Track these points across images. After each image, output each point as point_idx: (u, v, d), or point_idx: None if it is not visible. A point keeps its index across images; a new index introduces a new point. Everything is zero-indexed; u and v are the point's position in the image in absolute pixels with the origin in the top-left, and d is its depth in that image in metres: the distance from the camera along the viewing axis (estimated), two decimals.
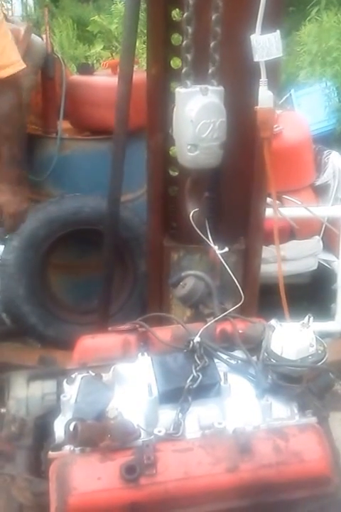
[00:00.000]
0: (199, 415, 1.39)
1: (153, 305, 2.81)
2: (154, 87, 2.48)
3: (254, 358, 1.53)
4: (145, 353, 1.55)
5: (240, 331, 1.63)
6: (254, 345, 1.57)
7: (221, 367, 1.49)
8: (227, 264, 2.67)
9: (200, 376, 1.42)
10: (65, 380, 1.52)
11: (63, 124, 3.27)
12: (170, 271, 2.79)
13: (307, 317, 1.53)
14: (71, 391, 1.47)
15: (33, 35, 3.01)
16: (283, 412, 1.43)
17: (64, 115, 3.27)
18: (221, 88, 1.70)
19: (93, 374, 1.54)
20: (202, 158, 1.69)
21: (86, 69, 3.38)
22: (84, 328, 2.80)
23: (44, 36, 3.27)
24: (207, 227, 1.80)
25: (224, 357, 1.52)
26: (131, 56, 2.53)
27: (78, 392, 1.46)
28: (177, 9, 2.24)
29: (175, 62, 2.49)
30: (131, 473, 1.20)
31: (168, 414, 1.38)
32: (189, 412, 1.39)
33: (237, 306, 1.70)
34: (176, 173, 2.84)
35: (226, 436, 1.30)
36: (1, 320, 3.25)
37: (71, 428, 1.28)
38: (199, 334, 1.52)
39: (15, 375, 1.65)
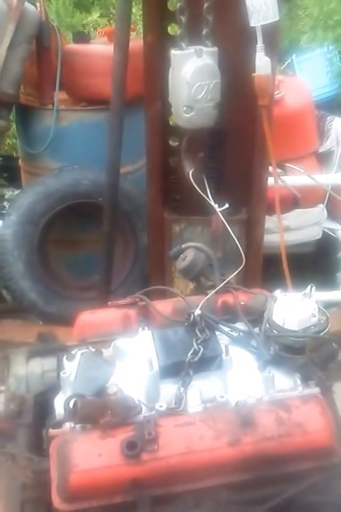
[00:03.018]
0: (201, 389, 1.37)
1: (155, 278, 2.79)
2: (151, 55, 2.41)
3: (256, 329, 1.51)
4: (146, 328, 1.53)
5: (242, 303, 1.61)
6: (256, 316, 1.55)
7: (222, 339, 1.47)
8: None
9: (201, 349, 1.40)
10: (64, 357, 1.50)
11: (60, 95, 3.21)
12: (172, 243, 2.76)
13: (309, 287, 1.50)
14: (71, 368, 1.44)
15: (27, 3, 2.92)
16: (285, 384, 1.40)
17: (60, 86, 3.20)
18: (215, 49, 1.71)
19: (93, 350, 1.52)
20: (197, 119, 1.75)
21: (81, 37, 3.30)
22: (86, 303, 2.77)
23: (38, 4, 3.18)
24: (207, 185, 1.81)
25: (226, 329, 1.50)
26: (126, 23, 2.46)
27: (78, 368, 1.43)
28: None
29: (173, 29, 2.43)
30: (132, 449, 1.18)
31: (169, 389, 1.36)
32: (191, 386, 1.37)
33: (238, 270, 1.67)
34: (176, 143, 2.79)
35: (228, 410, 1.28)
36: (2, 296, 3.23)
37: (71, 405, 1.27)
38: (199, 307, 1.49)
39: (15, 353, 1.63)
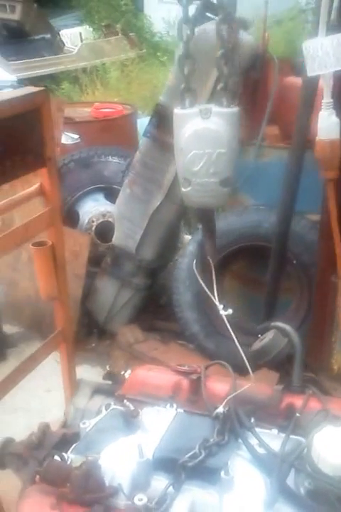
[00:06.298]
0: (195, 498, 1.16)
1: (314, 341, 2.47)
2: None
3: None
4: (174, 405, 1.37)
5: (297, 414, 1.30)
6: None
7: (242, 452, 1.21)
8: None
9: (202, 455, 1.18)
10: (104, 405, 1.47)
11: (272, 131, 3.08)
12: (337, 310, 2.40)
13: None
14: (93, 420, 1.40)
15: (243, 33, 2.87)
16: None
17: (274, 120, 3.07)
18: (233, 110, 1.26)
19: (132, 408, 1.44)
20: (196, 196, 1.29)
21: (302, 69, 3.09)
22: (244, 348, 2.61)
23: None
24: (214, 278, 1.43)
25: (252, 441, 1.23)
26: None
27: (96, 423, 1.38)
28: None
29: None
30: None
31: (161, 483, 1.19)
32: (185, 490, 1.17)
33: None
34: None
35: None
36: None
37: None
38: (224, 403, 1.26)
39: (84, 383, 1.66)
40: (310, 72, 1.44)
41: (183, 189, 1.29)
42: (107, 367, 2.53)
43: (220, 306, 1.41)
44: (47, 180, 1.87)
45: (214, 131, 1.23)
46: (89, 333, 3.33)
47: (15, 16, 7.29)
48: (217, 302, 1.40)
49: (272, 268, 2.52)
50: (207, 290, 1.41)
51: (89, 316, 3.32)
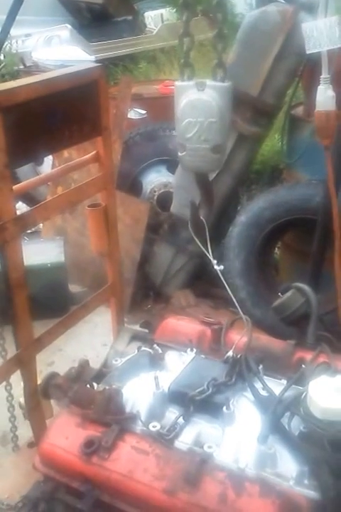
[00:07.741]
0: (201, 430, 1.32)
1: None
2: None
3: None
4: (194, 349, 1.53)
5: (303, 366, 1.42)
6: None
7: (246, 392, 1.36)
8: None
9: (209, 391, 1.34)
10: (137, 348, 1.65)
11: None
12: None
13: None
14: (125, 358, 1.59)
15: (304, 15, 2.90)
16: (288, 471, 1.21)
17: None
18: (226, 84, 1.36)
19: (160, 351, 1.61)
20: (189, 160, 1.42)
21: None
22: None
23: None
24: (208, 236, 1.56)
25: (257, 385, 1.36)
26: None
27: (126, 361, 1.57)
28: None
29: None
30: (88, 447, 1.27)
31: (174, 414, 1.36)
32: (193, 422, 1.33)
33: None
34: None
35: (186, 458, 1.21)
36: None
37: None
38: (233, 348, 1.40)
39: (124, 330, 1.85)
40: (308, 50, 1.55)
41: (179, 153, 1.45)
42: None
43: (214, 261, 1.54)
44: (102, 148, 2.06)
45: (206, 101, 1.36)
46: (146, 295, 3.53)
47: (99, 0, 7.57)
48: (211, 257, 1.53)
49: (317, 240, 2.58)
50: (201, 247, 1.55)
51: (146, 280, 3.53)
